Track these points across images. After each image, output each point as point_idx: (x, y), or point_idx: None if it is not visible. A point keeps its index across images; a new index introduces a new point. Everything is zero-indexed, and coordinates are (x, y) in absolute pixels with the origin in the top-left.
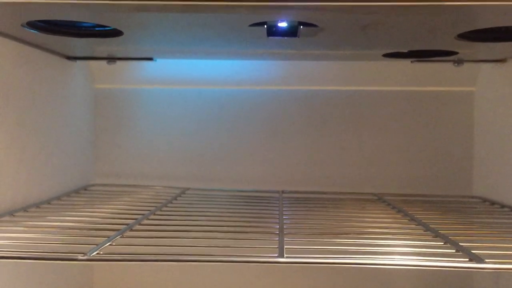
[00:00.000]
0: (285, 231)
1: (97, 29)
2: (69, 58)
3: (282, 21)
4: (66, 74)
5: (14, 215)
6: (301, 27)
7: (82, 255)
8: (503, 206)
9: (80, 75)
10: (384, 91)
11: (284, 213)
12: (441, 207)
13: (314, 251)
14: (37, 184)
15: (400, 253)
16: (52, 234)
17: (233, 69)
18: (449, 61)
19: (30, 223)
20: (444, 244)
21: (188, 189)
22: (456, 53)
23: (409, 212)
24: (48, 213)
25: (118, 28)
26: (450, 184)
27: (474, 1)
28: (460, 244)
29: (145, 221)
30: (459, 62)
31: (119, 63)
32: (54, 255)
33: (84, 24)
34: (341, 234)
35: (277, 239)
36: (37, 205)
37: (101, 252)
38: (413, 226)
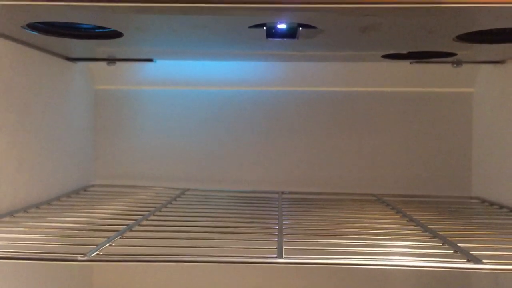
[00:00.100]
0: (284, 231)
1: (97, 30)
2: (69, 59)
3: (281, 23)
4: (66, 75)
5: (14, 216)
6: (300, 28)
7: (82, 255)
8: (502, 206)
9: (80, 76)
10: (383, 92)
11: (283, 214)
12: (440, 208)
13: (313, 252)
14: (37, 185)
15: (399, 254)
16: (52, 234)
17: (232, 70)
18: (448, 62)
19: (30, 223)
20: (442, 244)
21: (188, 190)
22: (455, 54)
23: (408, 213)
24: (48, 213)
25: (118, 29)
26: (449, 185)
27: (472, 3)
28: (458, 244)
29: (145, 222)
30: (458, 63)
31: (119, 64)
32: (53, 256)
33: (84, 26)
34: (340, 235)
35: (276, 239)
36: (37, 205)
37: (101, 253)
38: (411, 226)
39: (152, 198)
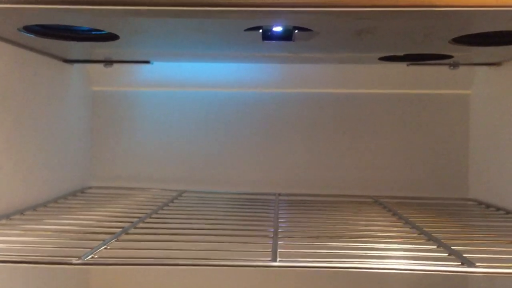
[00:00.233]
0: (280, 234)
1: (93, 33)
2: (66, 61)
3: (277, 25)
4: (64, 77)
5: (10, 218)
6: (296, 31)
7: (77, 259)
8: (498, 209)
9: (78, 78)
10: (380, 94)
11: (279, 216)
12: (436, 210)
13: (308, 255)
14: (34, 187)
15: (393, 257)
16: (48, 237)
17: (229, 72)
18: (445, 64)
19: (27, 226)
20: (436, 247)
21: (185, 191)
22: (451, 56)
23: (404, 215)
24: (44, 216)
25: (114, 32)
26: (446, 187)
27: (466, 7)
28: (452, 247)
29: (141, 225)
30: (455, 65)
31: (116, 66)
32: (48, 259)
33: (81, 28)
34: (336, 237)
35: (271, 242)
36: (34, 208)
37: (96, 256)
38: (407, 229)
39: (149, 200)
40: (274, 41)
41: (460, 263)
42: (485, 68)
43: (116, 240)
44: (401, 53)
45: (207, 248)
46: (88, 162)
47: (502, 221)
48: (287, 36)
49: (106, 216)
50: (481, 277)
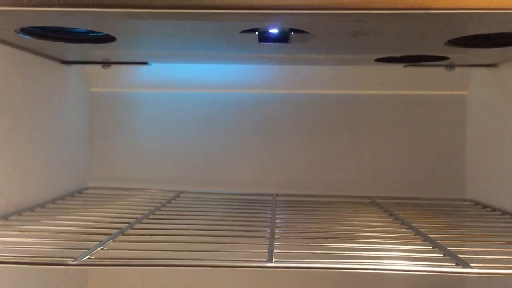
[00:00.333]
0: (277, 235)
1: (90, 34)
2: (64, 62)
3: (273, 27)
4: (61, 78)
5: (8, 219)
6: (292, 33)
7: (73, 259)
8: (494, 209)
9: (75, 79)
10: (377, 95)
11: (276, 216)
12: (432, 211)
13: (304, 256)
14: (32, 188)
15: (388, 258)
16: (46, 238)
17: (227, 73)
18: (441, 65)
19: (24, 227)
20: (432, 248)
21: (183, 192)
22: (447, 58)
23: (401, 216)
24: (42, 217)
25: (111, 34)
26: (442, 187)
27: (461, 9)
28: (447, 248)
29: (138, 225)
30: (451, 66)
31: (114, 67)
32: (45, 260)
33: (78, 30)
34: (332, 238)
35: (268, 243)
36: (32, 208)
37: (92, 257)
38: (403, 230)
39: (146, 200)
40: (270, 43)
41: (455, 264)
42: (481, 69)
43: (113, 241)
44: (397, 55)
45: (203, 248)
46: (86, 163)
47: (498, 222)
48: (283, 38)
49: (103, 216)
50: (477, 278)
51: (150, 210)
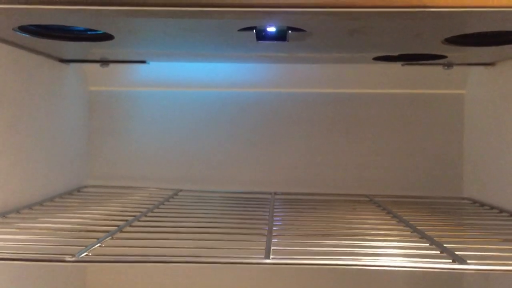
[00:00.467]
0: (274, 232)
1: (88, 33)
2: (62, 61)
3: (270, 25)
4: (60, 77)
5: (6, 217)
6: (290, 31)
7: (70, 256)
8: (492, 207)
9: (74, 78)
10: (375, 93)
11: (275, 214)
12: (430, 209)
13: (301, 252)
14: (30, 186)
15: (385, 255)
16: (44, 235)
17: (225, 71)
18: (439, 64)
19: (22, 224)
20: (429, 245)
21: (181, 190)
22: (445, 56)
23: (399, 214)
24: (40, 214)
25: (109, 32)
26: (441, 186)
27: (458, 7)
28: (445, 245)
29: (136, 223)
30: (449, 65)
31: (112, 65)
32: (42, 257)
33: (76, 28)
34: (330, 235)
35: (265, 240)
36: (30, 206)
37: (90, 254)
38: (401, 227)
39: (145, 199)
40: (268, 42)
41: (451, 260)
42: (479, 68)
43: (110, 238)
44: (394, 53)
45: (201, 245)
46: (84, 161)
47: (496, 219)
48: (281, 36)
49: (101, 214)
50: (475, 275)
51: (148, 208)
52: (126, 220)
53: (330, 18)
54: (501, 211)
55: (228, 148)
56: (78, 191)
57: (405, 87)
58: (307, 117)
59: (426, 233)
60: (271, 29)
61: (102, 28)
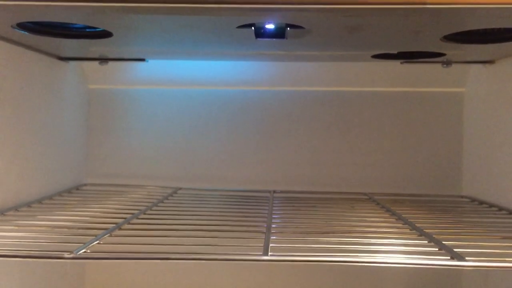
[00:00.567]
0: (273, 230)
1: (87, 30)
2: (61, 58)
3: (269, 23)
4: (59, 75)
5: (4, 214)
6: (288, 29)
7: (68, 253)
8: (491, 205)
9: (73, 76)
10: (374, 91)
11: (273, 212)
12: (429, 207)
13: (300, 250)
14: (29, 184)
15: (384, 252)
16: (42, 233)
17: (224, 70)
18: (438, 62)
19: (21, 222)
20: (428, 242)
21: (180, 189)
22: (444, 54)
23: (397, 212)
24: (39, 212)
25: (107, 29)
26: (439, 184)
27: (456, 4)
28: (443, 242)
29: (135, 220)
30: (448, 63)
31: (111, 63)
32: (41, 254)
33: (75, 25)
34: (328, 233)
35: (264, 237)
36: (28, 204)
37: (88, 251)
38: (399, 225)
39: (143, 197)
40: (267, 39)
41: (449, 257)
42: (478, 66)
43: (109, 235)
44: (393, 51)
45: (200, 243)
46: (83, 160)
47: (494, 217)
48: (279, 33)
49: (100, 212)
50: (474, 273)
51: (147, 206)
52: (125, 218)
53: (329, 15)
54: (500, 209)
55: (227, 146)
56: (77, 189)
57: (404, 85)
58: (306, 115)
59: (425, 230)
60: (270, 26)
61: (101, 25)
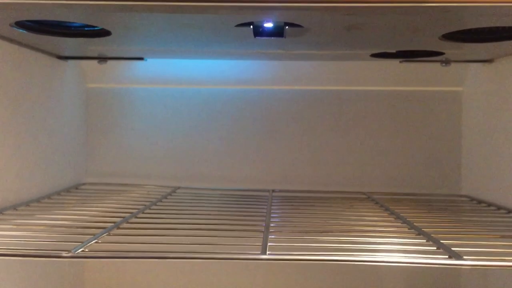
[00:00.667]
0: (272, 229)
1: (86, 29)
2: (60, 57)
3: (267, 21)
4: (58, 74)
5: (3, 213)
6: (287, 27)
7: (67, 252)
8: (489, 204)
9: (72, 75)
10: (373, 91)
11: (272, 211)
12: (428, 206)
13: (298, 248)
14: (28, 183)
15: (382, 250)
16: (41, 232)
17: (223, 68)
18: (437, 61)
19: (19, 221)
20: (426, 241)
21: (179, 188)
22: (443, 53)
23: (396, 211)
24: (37, 211)
25: (106, 28)
26: (438, 183)
27: (455, 2)
28: (441, 241)
29: (133, 219)
30: (446, 62)
31: (110, 62)
32: (39, 253)
33: (73, 24)
34: (326, 232)
35: (262, 236)
36: (27, 203)
37: (86, 250)
38: (398, 224)
39: (142, 196)
40: (265, 37)
41: (447, 256)
42: (477, 65)
43: (107, 234)
44: (392, 50)
45: (198, 242)
46: (82, 159)
47: (493, 216)
48: (278, 32)
49: (99, 211)
50: (473, 272)
51: (145, 205)
52: (123, 217)
53: (327, 13)
54: (499, 208)
55: (226, 145)
56: (76, 188)
57: (403, 84)
58: (305, 114)
59: (423, 229)
60: (268, 25)
61: (100, 24)
